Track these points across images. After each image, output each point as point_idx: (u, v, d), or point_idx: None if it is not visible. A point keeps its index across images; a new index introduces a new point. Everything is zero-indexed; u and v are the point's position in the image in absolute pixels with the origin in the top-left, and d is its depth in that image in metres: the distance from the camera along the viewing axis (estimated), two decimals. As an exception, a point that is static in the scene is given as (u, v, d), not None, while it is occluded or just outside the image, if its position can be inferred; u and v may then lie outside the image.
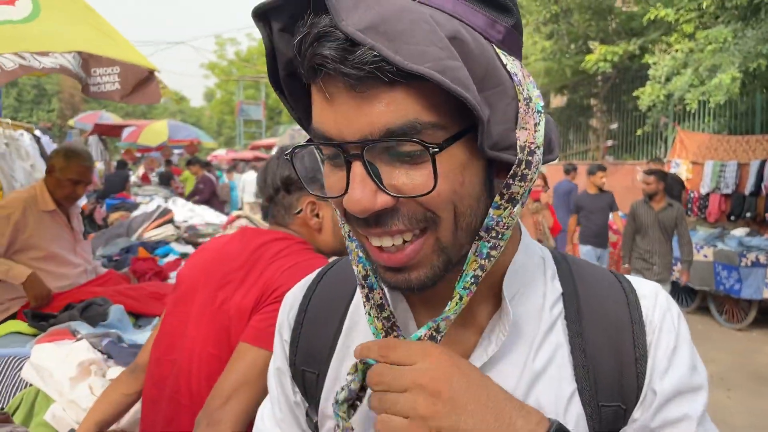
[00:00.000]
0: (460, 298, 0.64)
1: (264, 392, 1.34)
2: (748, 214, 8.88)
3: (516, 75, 0.59)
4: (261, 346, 1.37)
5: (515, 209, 0.61)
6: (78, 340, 2.17)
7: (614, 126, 13.35)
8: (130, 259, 4.12)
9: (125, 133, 13.53)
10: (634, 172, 11.77)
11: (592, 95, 14.29)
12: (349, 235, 0.70)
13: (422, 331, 0.64)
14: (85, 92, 2.28)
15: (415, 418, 0.57)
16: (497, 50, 0.59)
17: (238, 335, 1.43)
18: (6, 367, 2.14)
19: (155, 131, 13.67)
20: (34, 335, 2.50)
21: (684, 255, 5.91)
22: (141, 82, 2.33)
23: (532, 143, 0.60)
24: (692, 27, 9.18)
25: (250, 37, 46.48)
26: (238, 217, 5.95)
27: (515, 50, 0.62)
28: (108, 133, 13.77)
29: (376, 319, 0.69)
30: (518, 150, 0.59)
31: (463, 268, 0.63)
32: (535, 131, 0.60)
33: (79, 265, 3.38)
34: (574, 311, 0.70)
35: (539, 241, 5.82)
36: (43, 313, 2.69)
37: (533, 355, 0.68)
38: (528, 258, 0.73)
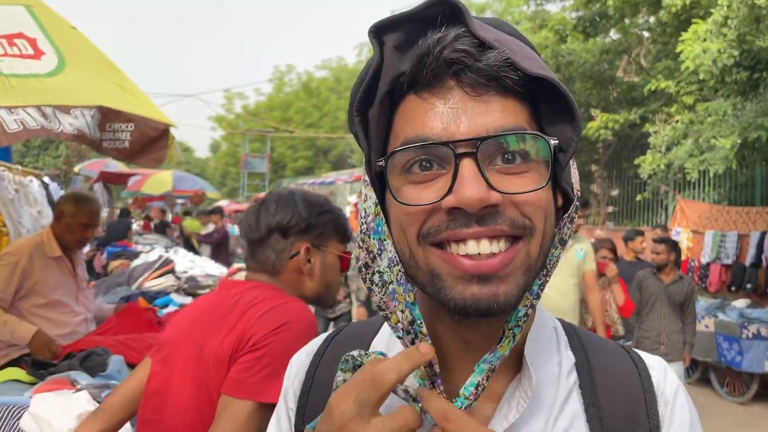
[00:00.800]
0: (513, 336, 0.64)
1: None
2: (749, 286, 8.87)
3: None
4: (242, 397, 1.37)
5: (558, 252, 0.64)
6: (77, 390, 2.15)
7: (615, 192, 13.48)
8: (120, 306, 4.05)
9: (131, 181, 13.66)
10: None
11: (593, 161, 14.48)
12: (397, 279, 0.66)
13: (477, 377, 0.64)
14: (98, 150, 2.34)
15: None
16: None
17: (218, 384, 1.43)
18: (5, 415, 2.12)
19: (160, 180, 13.82)
20: (33, 383, 2.48)
21: (688, 336, 5.37)
22: (151, 142, 2.39)
23: (578, 191, 0.64)
24: (692, 99, 9.39)
25: (257, 92, 47.42)
26: (239, 269, 5.94)
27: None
28: (113, 180, 13.90)
29: (423, 372, 0.67)
30: (573, 193, 0.63)
31: (514, 314, 0.64)
32: (575, 187, 0.65)
33: (80, 313, 3.37)
34: (588, 381, 0.71)
35: (607, 325, 5.03)
36: (43, 361, 2.67)
37: (552, 424, 0.68)
38: (542, 326, 0.74)
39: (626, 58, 14.04)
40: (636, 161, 9.56)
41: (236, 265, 6.29)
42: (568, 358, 0.73)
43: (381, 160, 0.64)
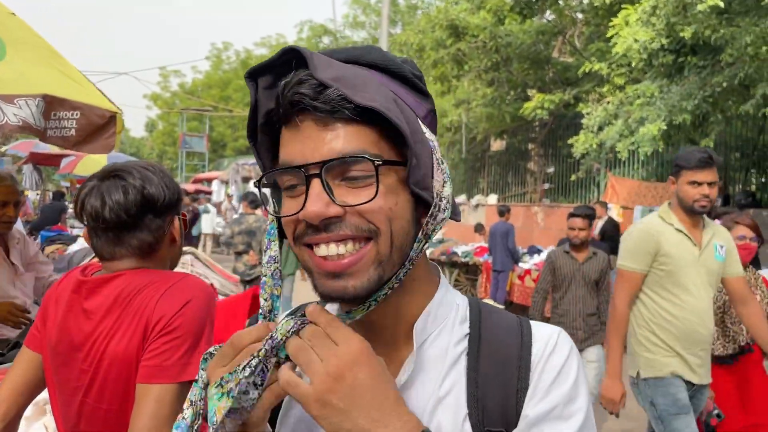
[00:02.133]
0: (368, 307, 0.77)
1: None
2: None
3: (432, 142, 0.78)
4: (162, 381, 1.36)
5: (423, 245, 0.78)
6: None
7: (550, 170, 13.93)
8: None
9: (63, 162, 13.18)
10: (569, 215, 12.26)
11: (529, 140, 14.89)
12: (272, 273, 0.81)
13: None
14: (42, 139, 2.30)
15: (312, 388, 0.67)
16: (420, 122, 0.78)
17: (126, 383, 1.42)
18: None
19: (94, 162, 13.31)
20: (-21, 373, 2.44)
21: (604, 315, 4.83)
22: (97, 129, 2.35)
23: (441, 194, 0.77)
24: (623, 80, 9.78)
25: (195, 70, 46.21)
26: (184, 252, 5.89)
27: (433, 129, 0.82)
28: (44, 162, 13.37)
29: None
30: (434, 195, 0.76)
31: (375, 294, 0.76)
32: (443, 187, 0.78)
33: (16, 298, 3.28)
34: (475, 350, 0.83)
35: None
36: (-11, 351, 2.63)
37: (439, 384, 0.81)
38: (444, 304, 0.86)
39: (561, 39, 14.42)
40: (570, 141, 9.91)
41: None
42: (462, 330, 0.85)
43: (256, 181, 0.81)
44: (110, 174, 1.51)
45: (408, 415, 0.69)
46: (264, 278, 0.82)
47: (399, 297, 0.81)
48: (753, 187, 10.27)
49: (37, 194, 12.69)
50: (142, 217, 1.52)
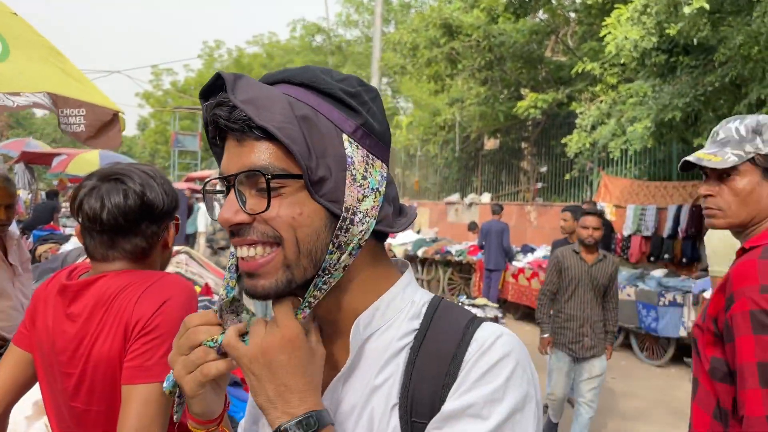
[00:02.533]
0: (304, 307, 0.85)
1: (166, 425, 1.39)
2: (666, 256, 9.46)
3: (352, 158, 0.82)
4: (145, 381, 1.37)
5: (344, 257, 0.82)
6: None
7: (544, 169, 13.97)
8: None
9: (55, 161, 13.11)
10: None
11: (523, 139, 14.94)
12: (229, 267, 0.89)
13: (247, 316, 0.88)
14: (60, 127, 2.30)
15: (244, 351, 0.79)
16: (347, 137, 0.83)
17: (112, 384, 1.43)
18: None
19: (86, 161, 13.27)
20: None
21: (610, 324, 4.65)
22: (105, 126, 2.37)
23: (356, 207, 0.82)
24: (615, 79, 9.83)
25: (187, 69, 46.02)
26: (178, 252, 5.87)
27: (367, 142, 0.85)
28: (36, 161, 13.33)
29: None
30: (344, 209, 0.82)
31: (305, 296, 0.84)
32: (360, 202, 0.82)
33: (15, 299, 3.27)
34: (418, 344, 0.86)
35: None
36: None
37: (375, 374, 0.86)
38: (397, 301, 0.90)
39: (554, 39, 14.47)
40: (563, 140, 9.96)
41: (175, 248, 6.19)
42: (411, 326, 0.88)
43: (202, 189, 0.91)
44: (111, 176, 1.51)
45: (311, 396, 0.79)
46: (225, 271, 0.92)
47: (339, 295, 0.87)
48: (744, 186, 10.32)
49: (29, 194, 12.61)
50: (138, 223, 1.52)
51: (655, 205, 9.99)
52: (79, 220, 1.52)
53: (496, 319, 7.45)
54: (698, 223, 9.02)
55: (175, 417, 0.94)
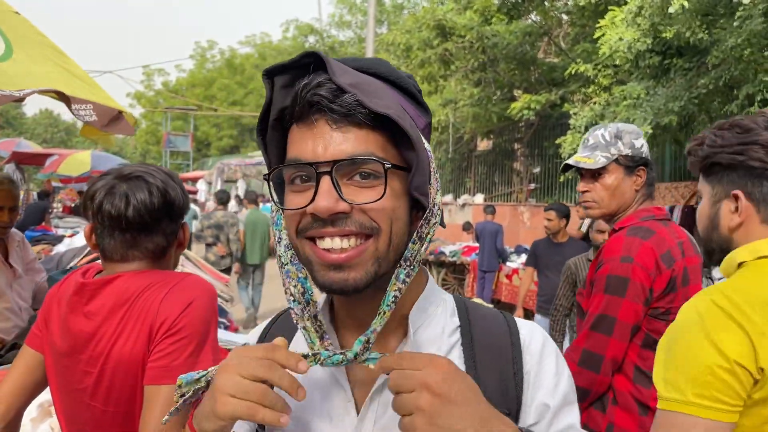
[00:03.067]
0: (383, 313, 0.82)
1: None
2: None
3: (429, 152, 0.84)
4: (170, 382, 1.36)
5: (423, 247, 0.84)
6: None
7: (536, 170, 14.02)
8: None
9: (47, 162, 13.03)
10: (556, 215, 12.36)
11: (516, 140, 14.97)
12: (291, 260, 0.86)
13: (357, 346, 0.82)
14: (71, 110, 2.28)
15: (418, 413, 0.71)
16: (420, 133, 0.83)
17: (133, 385, 1.43)
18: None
19: (78, 161, 13.22)
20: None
21: None
22: (114, 119, 2.37)
23: (435, 200, 0.83)
24: (608, 81, 9.88)
25: (179, 69, 45.90)
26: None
27: (428, 140, 0.87)
28: (27, 161, 13.22)
29: (312, 330, 0.87)
30: (430, 201, 0.82)
31: (387, 289, 0.82)
32: (437, 194, 0.84)
33: (11, 301, 3.24)
34: (468, 339, 0.89)
35: None
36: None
37: None
38: (432, 298, 0.92)
39: (546, 40, 14.52)
40: (557, 141, 9.99)
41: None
42: (453, 322, 0.91)
43: (266, 174, 0.85)
44: (131, 175, 1.51)
45: (504, 418, 0.75)
46: (286, 267, 0.87)
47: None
48: (735, 187, 10.40)
49: (21, 194, 12.53)
50: (160, 221, 1.52)
51: (647, 205, 10.02)
52: (98, 220, 1.50)
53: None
54: (691, 224, 9.06)
55: (163, 419, 0.90)
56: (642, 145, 2.16)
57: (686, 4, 5.81)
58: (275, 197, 0.87)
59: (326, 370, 0.89)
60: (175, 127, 32.68)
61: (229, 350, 3.26)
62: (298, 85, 0.79)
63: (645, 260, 1.96)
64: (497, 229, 9.73)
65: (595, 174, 2.15)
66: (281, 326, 1.02)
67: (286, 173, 0.83)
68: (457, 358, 0.88)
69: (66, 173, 13.46)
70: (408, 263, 0.82)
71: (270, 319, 1.06)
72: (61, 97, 2.15)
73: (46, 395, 2.05)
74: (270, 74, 0.82)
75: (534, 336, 0.91)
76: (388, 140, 0.79)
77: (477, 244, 10.98)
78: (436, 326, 0.90)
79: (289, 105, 0.81)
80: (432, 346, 0.88)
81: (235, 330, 4.74)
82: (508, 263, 10.02)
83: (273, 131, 0.85)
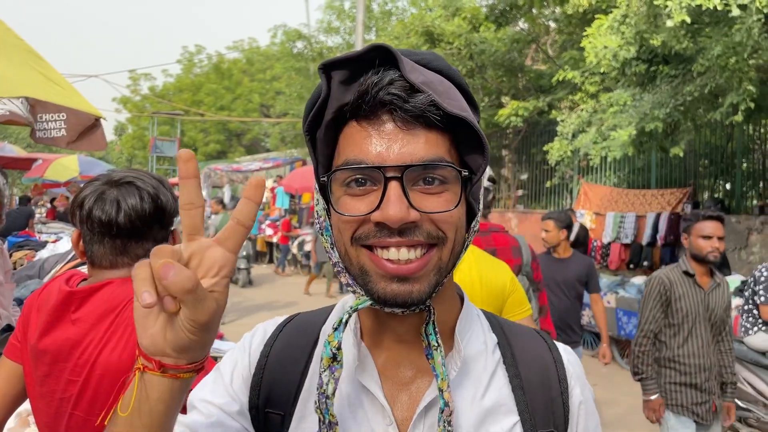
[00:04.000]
0: (435, 327, 0.79)
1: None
2: (646, 263, 9.55)
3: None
4: None
5: (462, 255, 0.80)
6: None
7: (524, 176, 14.06)
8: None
9: (33, 166, 12.91)
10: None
11: (503, 147, 15.01)
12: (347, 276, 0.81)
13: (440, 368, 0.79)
14: (33, 137, 2.24)
15: None
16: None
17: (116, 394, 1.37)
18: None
19: (64, 166, 13.12)
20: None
21: (729, 372, 3.56)
22: (87, 130, 2.31)
23: (480, 204, 0.81)
24: (595, 88, 9.93)
25: (165, 73, 45.65)
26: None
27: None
28: (11, 166, 13.10)
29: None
30: (477, 208, 0.79)
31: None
32: (480, 201, 0.81)
33: (-8, 308, 3.19)
34: (510, 357, 0.86)
35: None
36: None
37: (482, 393, 0.82)
38: (469, 312, 0.89)
39: (534, 47, 14.59)
40: (545, 147, 10.03)
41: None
42: (492, 338, 0.88)
43: (324, 176, 0.78)
44: (121, 180, 1.48)
45: None
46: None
47: (437, 301, 0.81)
48: (721, 194, 10.50)
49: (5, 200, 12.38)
50: (151, 227, 1.50)
51: (634, 212, 10.08)
52: (87, 226, 1.47)
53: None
54: (677, 231, 9.12)
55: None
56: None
57: (687, 18, 5.81)
58: (331, 202, 0.79)
59: (361, 387, 0.83)
60: (161, 132, 32.51)
61: (215, 359, 3.23)
62: (363, 81, 0.72)
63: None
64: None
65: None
66: (289, 335, 0.95)
67: (339, 175, 0.76)
68: (502, 376, 0.85)
69: (53, 178, 13.35)
70: (451, 270, 0.79)
71: (272, 326, 0.97)
72: (33, 105, 2.09)
73: (24, 405, 2.01)
74: (328, 68, 0.75)
75: (568, 353, 0.91)
76: (452, 143, 0.75)
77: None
78: (477, 341, 0.86)
79: (350, 102, 0.74)
80: (479, 361, 0.85)
81: (220, 337, 4.69)
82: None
83: (327, 130, 0.78)
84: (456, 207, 0.73)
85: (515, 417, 0.82)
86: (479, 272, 2.31)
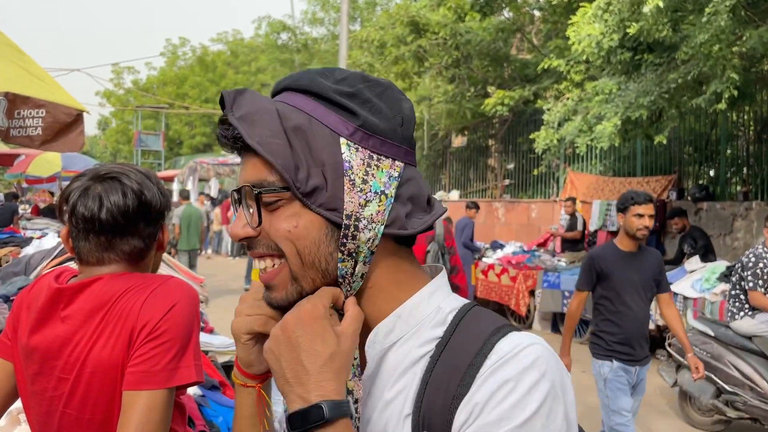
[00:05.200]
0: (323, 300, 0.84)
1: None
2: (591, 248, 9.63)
3: (349, 162, 0.79)
4: (151, 387, 1.33)
5: (359, 265, 0.81)
6: None
7: (511, 166, 14.11)
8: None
9: (15, 162, 12.75)
10: (530, 210, 12.45)
11: (490, 136, 15.05)
12: None
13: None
14: (5, 138, 2.20)
15: (270, 338, 0.78)
16: (345, 141, 0.80)
17: (110, 391, 1.38)
18: None
19: (47, 161, 12.96)
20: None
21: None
22: (65, 128, 2.26)
23: (359, 214, 0.79)
24: (581, 77, 9.97)
25: (149, 67, 45.28)
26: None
27: (369, 142, 0.81)
28: (-6, 162, 12.94)
29: None
30: (344, 216, 0.79)
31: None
32: (363, 207, 0.79)
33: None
34: (438, 354, 0.80)
35: None
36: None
37: (389, 387, 0.82)
38: (419, 308, 0.84)
39: (519, 36, 14.61)
40: (531, 136, 10.06)
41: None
42: (434, 333, 0.82)
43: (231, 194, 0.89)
44: (106, 175, 1.47)
45: (329, 381, 0.73)
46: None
47: (360, 305, 0.84)
48: (705, 181, 10.60)
49: (-13, 195, 12.23)
50: (136, 223, 1.48)
51: (620, 200, 10.15)
52: (72, 222, 1.46)
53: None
54: (662, 218, 9.20)
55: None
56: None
57: (660, 3, 5.85)
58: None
59: None
60: (146, 126, 32.25)
61: (206, 353, 3.21)
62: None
63: None
64: (465, 224, 9.77)
65: None
66: None
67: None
68: (420, 370, 0.80)
69: (36, 174, 13.20)
70: (345, 281, 0.81)
71: None
72: (12, 101, 2.04)
73: (15, 403, 1.99)
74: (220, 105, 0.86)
75: (503, 357, 0.74)
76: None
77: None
78: (412, 341, 0.83)
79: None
80: (399, 355, 0.83)
81: (210, 331, 4.68)
82: (484, 259, 10.05)
83: None
84: (259, 223, 0.80)
85: (409, 409, 0.79)
86: None
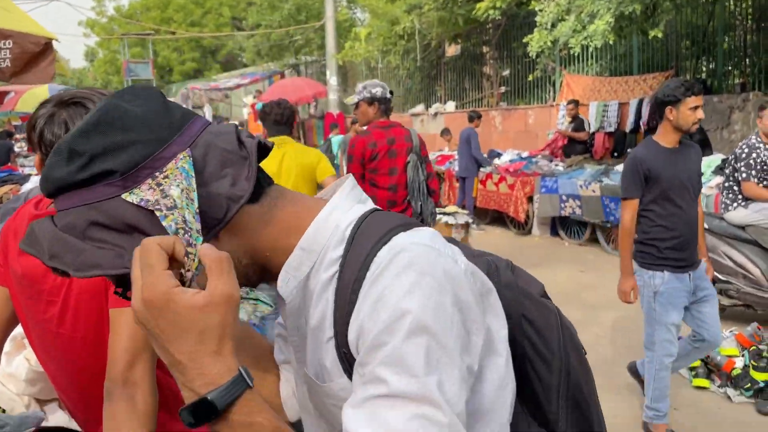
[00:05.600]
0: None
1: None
2: (629, 151, 9.61)
3: (145, 201, 0.73)
4: None
5: (189, 274, 0.72)
6: None
7: (506, 73, 13.83)
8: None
9: (5, 99, 12.58)
10: (527, 117, 12.33)
11: (484, 43, 14.67)
12: None
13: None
14: None
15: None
16: (126, 194, 0.73)
17: (98, 312, 1.43)
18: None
19: (36, 96, 12.76)
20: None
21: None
22: (34, 58, 2.21)
23: (188, 227, 0.72)
24: (573, -27, 9.62)
25: (130, -9, 43.60)
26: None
27: (140, 175, 0.74)
28: (-18, 101, 12.75)
29: None
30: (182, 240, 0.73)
31: None
32: (187, 221, 0.73)
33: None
34: (341, 272, 0.78)
35: None
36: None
37: (312, 316, 0.82)
38: (319, 233, 0.82)
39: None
40: (525, 40, 9.83)
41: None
42: (336, 253, 0.80)
43: None
44: (70, 100, 1.43)
45: (208, 366, 0.65)
46: None
47: (259, 261, 0.84)
48: (703, 74, 10.42)
49: (-20, 135, 12.15)
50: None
51: (616, 100, 10.03)
52: (42, 150, 1.44)
53: (467, 226, 7.58)
54: (660, 114, 9.11)
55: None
56: (377, 92, 4.28)
57: None
58: None
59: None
60: (133, 54, 31.51)
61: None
62: None
63: (358, 146, 4.21)
64: (469, 135, 9.70)
65: (356, 105, 4.39)
66: None
67: None
68: (331, 293, 0.79)
69: (25, 110, 13.03)
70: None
71: None
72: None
73: (19, 328, 2.08)
74: None
75: (386, 258, 0.74)
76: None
77: (452, 153, 11.01)
78: (317, 260, 0.82)
79: None
80: (313, 281, 0.82)
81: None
82: (481, 169, 10.06)
83: None
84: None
85: (331, 331, 0.78)
86: (295, 160, 3.95)
